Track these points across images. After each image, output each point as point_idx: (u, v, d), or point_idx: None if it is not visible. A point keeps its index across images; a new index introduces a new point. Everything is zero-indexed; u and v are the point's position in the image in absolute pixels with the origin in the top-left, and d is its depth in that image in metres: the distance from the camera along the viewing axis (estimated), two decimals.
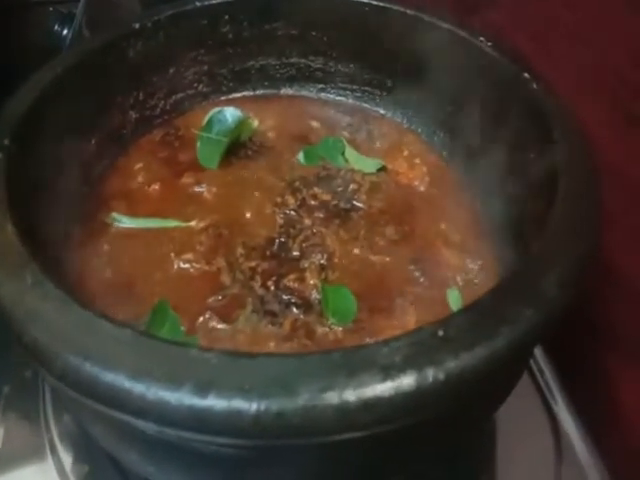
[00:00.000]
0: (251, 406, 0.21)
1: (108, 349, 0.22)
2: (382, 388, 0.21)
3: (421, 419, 0.23)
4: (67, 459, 0.38)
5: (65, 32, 0.81)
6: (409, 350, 0.22)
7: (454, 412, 0.25)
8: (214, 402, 0.21)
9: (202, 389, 0.21)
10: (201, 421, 0.21)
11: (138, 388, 0.21)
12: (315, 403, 0.21)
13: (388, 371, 0.22)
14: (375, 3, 0.48)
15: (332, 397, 0.21)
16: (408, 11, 0.47)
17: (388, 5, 0.48)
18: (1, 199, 0.30)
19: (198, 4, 0.47)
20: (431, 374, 0.22)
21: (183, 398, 0.21)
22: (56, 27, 0.82)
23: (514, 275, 0.27)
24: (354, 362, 0.22)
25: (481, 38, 0.43)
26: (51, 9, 0.85)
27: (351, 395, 0.21)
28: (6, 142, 0.32)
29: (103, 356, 0.22)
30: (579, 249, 0.28)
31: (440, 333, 0.23)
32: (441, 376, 0.22)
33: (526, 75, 0.39)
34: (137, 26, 0.45)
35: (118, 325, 0.23)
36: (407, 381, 0.22)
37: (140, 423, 0.22)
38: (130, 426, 0.24)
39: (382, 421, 0.22)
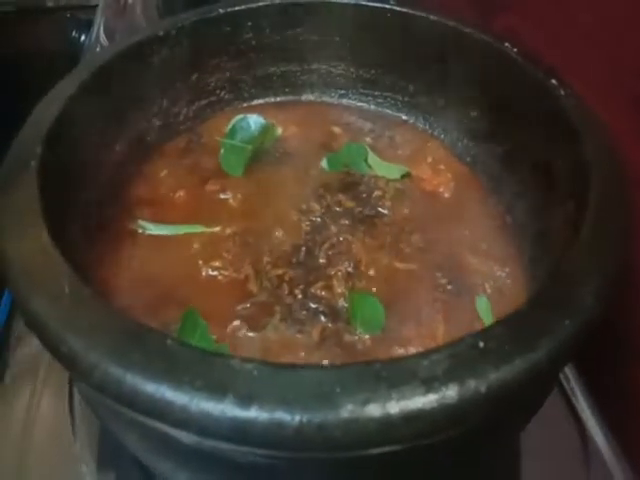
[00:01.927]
0: (293, 418, 0.21)
1: (149, 359, 0.22)
2: (424, 401, 0.21)
3: (460, 432, 0.23)
4: (93, 464, 0.38)
5: (82, 38, 0.81)
6: (450, 362, 0.22)
7: (492, 424, 0.25)
8: (257, 414, 0.21)
9: (244, 401, 0.21)
10: (243, 433, 0.21)
11: (180, 399, 0.21)
12: (357, 416, 0.21)
13: (430, 383, 0.21)
14: (397, 9, 0.48)
15: (374, 410, 0.21)
16: (431, 16, 0.47)
17: (410, 11, 0.48)
18: (35, 207, 0.30)
19: (221, 11, 0.47)
20: (473, 386, 0.22)
21: (226, 410, 0.21)
22: (74, 33, 0.83)
23: (550, 285, 0.27)
24: (395, 374, 0.22)
25: (506, 44, 0.43)
26: (69, 15, 0.86)
27: (393, 408, 0.21)
28: (38, 150, 0.33)
29: (144, 367, 0.22)
30: (614, 257, 0.28)
31: (480, 345, 0.23)
32: (483, 388, 0.22)
33: (553, 81, 0.39)
34: (161, 33, 0.45)
35: (158, 335, 0.23)
36: (449, 393, 0.21)
37: (180, 434, 0.22)
38: (166, 436, 0.24)
39: (424, 434, 0.21)
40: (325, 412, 0.21)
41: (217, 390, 0.21)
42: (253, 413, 0.21)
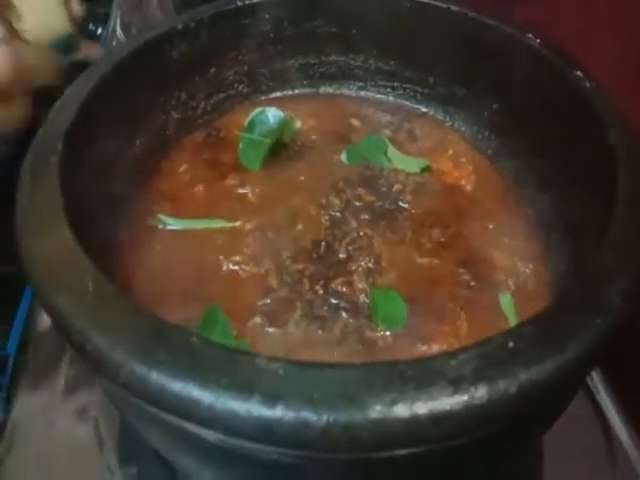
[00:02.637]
0: (320, 418, 0.21)
1: (174, 357, 0.22)
2: (452, 401, 0.21)
3: (487, 433, 0.22)
4: (115, 459, 0.38)
5: (100, 31, 0.81)
6: (478, 362, 0.22)
7: (519, 425, 0.25)
8: (283, 413, 0.21)
9: (270, 400, 0.21)
10: (269, 432, 0.21)
11: (206, 398, 0.21)
12: (384, 416, 0.21)
13: (458, 384, 0.21)
14: None
15: (402, 410, 0.21)
16: (452, 7, 0.46)
17: (431, 1, 0.47)
18: (56, 202, 0.30)
19: (239, 3, 0.47)
20: (502, 387, 0.21)
21: (252, 409, 0.21)
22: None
23: (578, 284, 0.26)
24: (422, 374, 0.21)
25: (529, 35, 0.42)
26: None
27: (421, 409, 0.21)
28: (59, 146, 0.32)
29: (169, 365, 0.22)
30: None
31: (510, 345, 0.22)
32: (513, 389, 0.21)
33: (578, 73, 0.38)
34: (180, 26, 0.44)
35: (183, 332, 0.23)
36: (478, 394, 0.21)
37: (206, 432, 0.22)
38: (191, 433, 0.24)
39: (452, 435, 0.21)
40: (352, 412, 0.21)
41: (243, 389, 0.21)
42: (279, 412, 0.21)
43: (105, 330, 0.24)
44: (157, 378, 0.22)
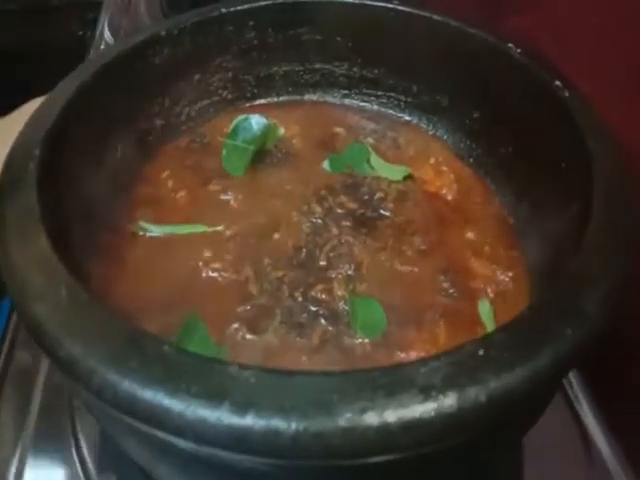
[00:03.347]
0: (290, 426, 0.21)
1: (146, 366, 0.22)
2: (422, 409, 0.21)
3: (460, 440, 0.23)
4: (94, 468, 0.38)
5: (88, 36, 0.81)
6: (449, 370, 0.22)
7: (493, 432, 0.25)
8: (253, 421, 0.21)
9: (241, 408, 0.21)
10: (239, 440, 0.21)
11: (177, 406, 0.21)
12: (354, 424, 0.21)
13: (428, 392, 0.21)
14: (401, 8, 0.47)
15: (372, 418, 0.21)
16: (435, 16, 0.47)
17: (414, 10, 0.47)
18: (33, 210, 0.30)
19: (224, 10, 0.47)
20: (472, 395, 0.21)
21: (222, 417, 0.21)
22: (79, 31, 0.83)
23: (552, 292, 0.26)
24: (393, 382, 0.22)
25: (510, 44, 0.43)
26: (74, 13, 0.86)
27: (391, 416, 0.21)
28: (36, 152, 0.32)
29: (141, 373, 0.22)
30: (619, 264, 0.28)
31: (480, 352, 0.23)
32: (482, 397, 0.21)
33: (557, 83, 0.39)
34: (163, 33, 0.45)
35: (155, 340, 0.23)
36: (448, 402, 0.21)
37: (178, 441, 0.22)
38: (165, 442, 0.24)
39: (422, 443, 0.21)
40: (322, 420, 0.21)
41: (214, 397, 0.21)
42: (249, 421, 0.21)
43: (78, 337, 0.24)
44: (128, 386, 0.22)
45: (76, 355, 0.23)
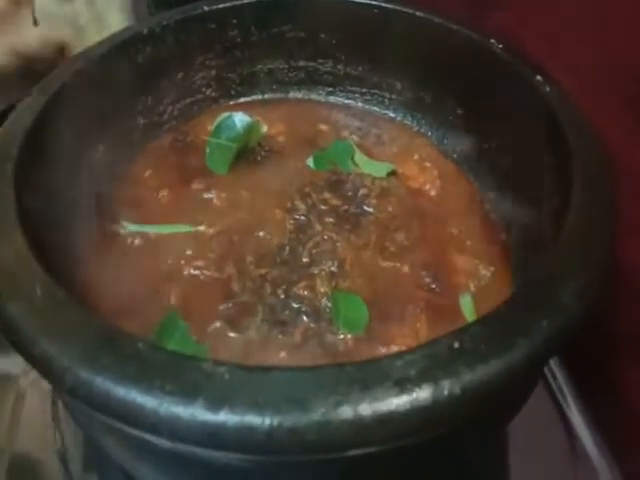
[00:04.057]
0: (264, 422, 0.20)
1: (120, 363, 0.22)
2: (397, 402, 0.21)
3: (436, 433, 0.23)
4: (77, 468, 0.38)
5: None
6: (424, 363, 0.22)
7: (470, 425, 0.25)
8: (227, 417, 0.21)
9: (215, 404, 0.21)
10: (214, 437, 0.21)
11: (150, 403, 0.21)
12: (329, 418, 0.21)
13: (403, 385, 0.21)
14: (384, 5, 0.48)
15: (346, 412, 0.21)
16: (418, 13, 0.47)
17: (398, 7, 0.47)
18: (10, 209, 0.29)
19: (206, 8, 0.47)
20: (447, 387, 0.21)
21: (196, 413, 0.21)
22: None
23: (529, 285, 0.27)
24: (368, 376, 0.22)
25: (492, 40, 0.43)
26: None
27: (366, 410, 0.21)
28: (14, 151, 0.32)
29: (114, 371, 0.22)
30: (596, 257, 0.28)
31: (455, 345, 0.23)
32: (457, 390, 0.22)
33: (538, 78, 0.39)
34: (145, 31, 0.44)
35: (130, 338, 0.23)
36: (423, 395, 0.21)
37: (153, 438, 0.22)
38: (142, 440, 0.24)
39: (398, 436, 0.21)
40: (296, 415, 0.21)
41: (188, 394, 0.21)
42: (223, 417, 0.20)
43: (52, 335, 0.23)
44: (102, 384, 0.21)
45: (50, 353, 0.23)
